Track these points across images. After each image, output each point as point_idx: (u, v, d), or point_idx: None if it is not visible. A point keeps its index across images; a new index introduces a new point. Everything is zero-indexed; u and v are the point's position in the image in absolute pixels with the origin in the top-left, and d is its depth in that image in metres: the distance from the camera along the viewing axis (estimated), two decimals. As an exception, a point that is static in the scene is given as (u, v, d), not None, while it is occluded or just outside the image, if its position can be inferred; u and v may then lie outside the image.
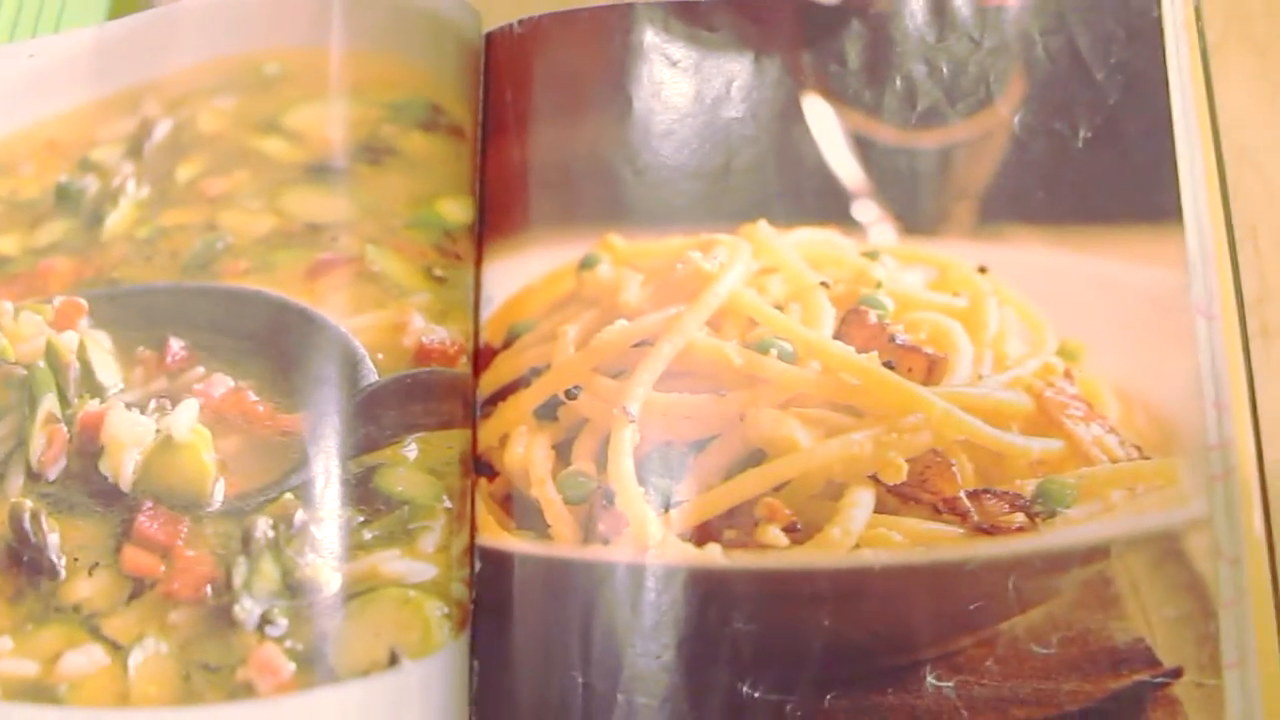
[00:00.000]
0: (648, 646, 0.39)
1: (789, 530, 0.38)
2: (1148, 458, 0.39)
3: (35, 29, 0.51)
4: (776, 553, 0.38)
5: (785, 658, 0.38)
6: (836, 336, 0.41)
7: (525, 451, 0.42)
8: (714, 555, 0.39)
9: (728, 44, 0.45)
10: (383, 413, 0.40)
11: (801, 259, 0.43)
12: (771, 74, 0.44)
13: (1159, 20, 0.42)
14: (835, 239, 0.43)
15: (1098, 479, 0.39)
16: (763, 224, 0.43)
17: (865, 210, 0.43)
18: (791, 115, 0.44)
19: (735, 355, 0.40)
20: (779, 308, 0.42)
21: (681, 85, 0.45)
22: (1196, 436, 0.38)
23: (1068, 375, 0.41)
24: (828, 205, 0.43)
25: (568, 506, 0.40)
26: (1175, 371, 0.39)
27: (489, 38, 0.47)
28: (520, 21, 0.46)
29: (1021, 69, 0.43)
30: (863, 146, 0.43)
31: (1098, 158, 0.41)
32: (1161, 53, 0.42)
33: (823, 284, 0.43)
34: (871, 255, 0.43)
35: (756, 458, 0.40)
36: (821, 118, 0.44)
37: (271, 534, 0.39)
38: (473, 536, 0.42)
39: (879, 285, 0.43)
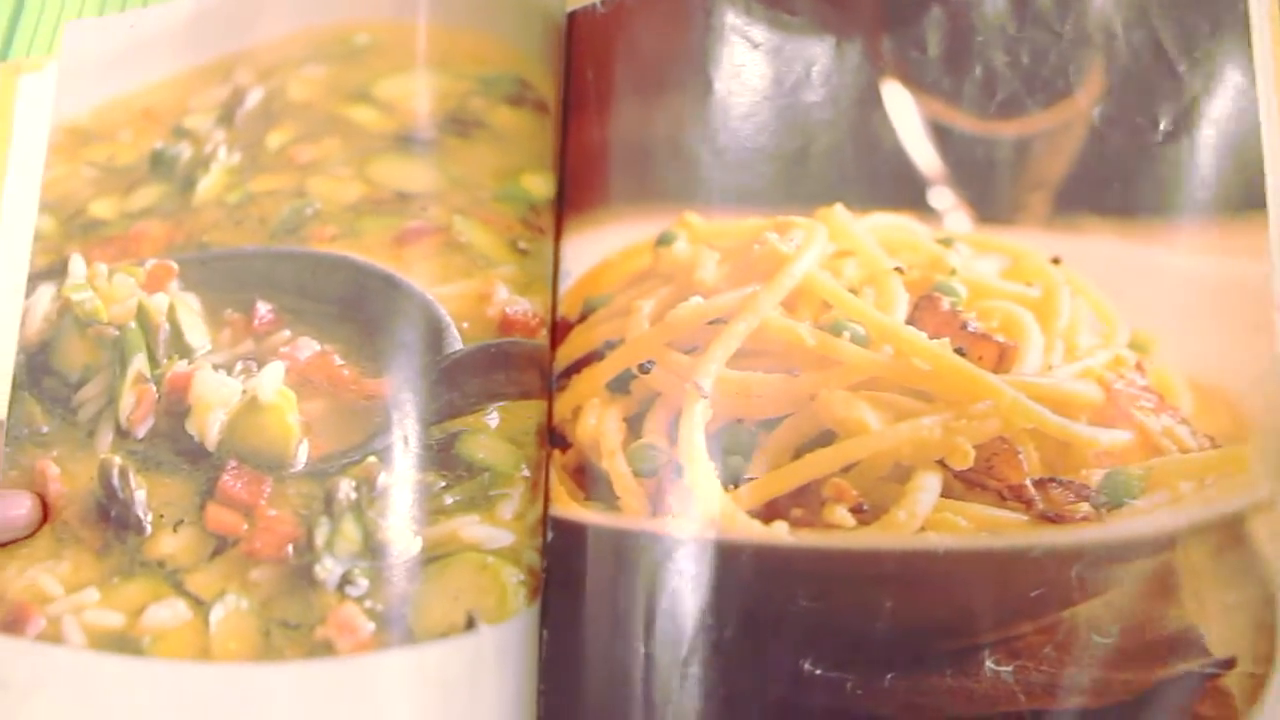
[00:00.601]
0: (711, 620, 0.39)
1: (855, 511, 0.39)
2: (1220, 448, 0.39)
3: (125, 0, 0.52)
4: (842, 533, 0.39)
5: (847, 636, 0.38)
6: (909, 322, 0.41)
7: (597, 423, 0.42)
8: (780, 533, 0.39)
9: (808, 28, 0.45)
10: (466, 380, 0.41)
11: (876, 244, 0.43)
12: (851, 59, 0.44)
13: (1245, 14, 0.41)
14: (910, 225, 0.43)
15: (1166, 469, 0.39)
16: (839, 208, 0.43)
17: (941, 197, 0.43)
18: (870, 101, 0.44)
19: (808, 336, 0.41)
20: (853, 291, 0.42)
21: (761, 68, 0.45)
22: (1271, 424, 0.38)
23: (1139, 368, 0.40)
24: (904, 191, 0.43)
25: (637, 479, 0.41)
26: (1253, 363, 0.39)
27: (572, 16, 0.47)
28: (603, 1, 0.47)
29: (1102, 61, 0.42)
30: (940, 134, 0.43)
31: (1177, 150, 0.41)
32: (1248, 46, 0.41)
33: (897, 269, 0.43)
34: (946, 242, 0.43)
35: (826, 438, 0.40)
36: (900, 104, 0.44)
37: (354, 496, 0.40)
38: (545, 506, 0.42)
39: (953, 272, 0.43)
